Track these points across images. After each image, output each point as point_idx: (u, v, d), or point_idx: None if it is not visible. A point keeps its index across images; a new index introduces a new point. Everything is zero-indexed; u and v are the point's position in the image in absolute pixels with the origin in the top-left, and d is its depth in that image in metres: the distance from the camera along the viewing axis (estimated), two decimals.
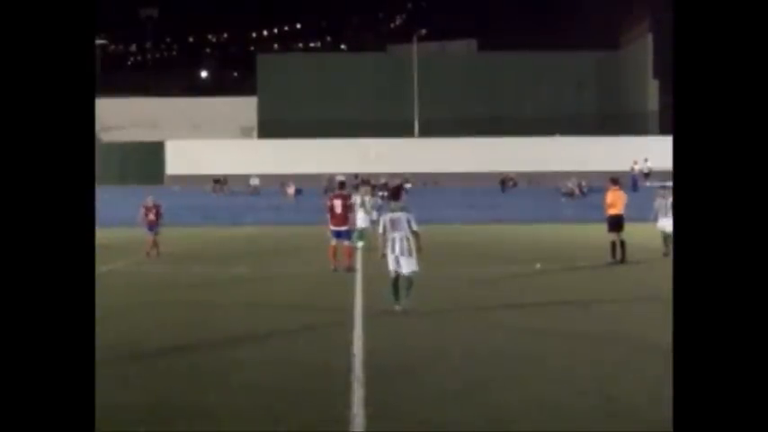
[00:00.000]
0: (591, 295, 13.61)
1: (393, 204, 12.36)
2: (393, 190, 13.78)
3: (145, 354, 9.05)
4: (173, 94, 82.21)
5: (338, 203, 17.28)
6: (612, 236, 19.00)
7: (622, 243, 18.82)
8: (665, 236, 19.84)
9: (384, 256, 11.93)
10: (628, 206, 19.75)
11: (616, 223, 19.02)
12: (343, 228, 17.26)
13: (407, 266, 11.71)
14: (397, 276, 11.79)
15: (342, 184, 18.67)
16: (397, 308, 11.68)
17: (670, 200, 19.91)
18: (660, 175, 44.46)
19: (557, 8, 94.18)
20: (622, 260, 18.59)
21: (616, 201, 19.35)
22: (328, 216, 17.42)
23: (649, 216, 20.88)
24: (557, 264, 18.82)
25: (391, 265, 11.81)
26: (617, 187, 19.78)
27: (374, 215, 22.60)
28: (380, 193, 40.66)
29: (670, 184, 23.70)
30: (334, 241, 17.30)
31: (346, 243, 17.37)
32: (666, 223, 19.68)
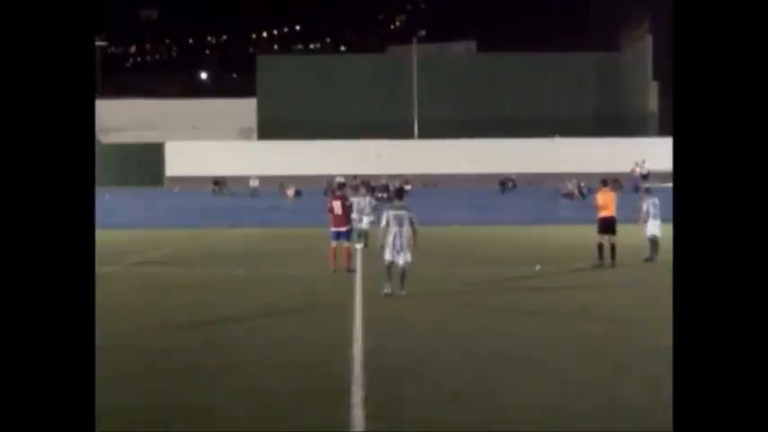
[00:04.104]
0: (590, 296, 13.62)
1: (396, 203, 13.92)
2: (396, 190, 15.37)
3: (145, 354, 9.05)
4: (172, 96, 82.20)
5: (337, 204, 17.33)
6: (602, 238, 18.35)
7: (613, 246, 18.20)
8: (651, 240, 19.34)
9: (383, 246, 13.39)
10: (630, 208, 19.51)
11: (608, 226, 18.36)
12: (344, 228, 17.29)
13: (404, 258, 13.24)
14: (390, 265, 13.33)
15: (341, 186, 18.69)
16: (387, 290, 13.23)
17: (654, 200, 19.70)
18: (660, 176, 44.49)
19: (556, 10, 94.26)
20: (612, 262, 18.05)
21: (608, 202, 18.65)
22: (329, 217, 17.47)
23: (638, 218, 20.09)
24: (556, 265, 18.81)
25: (388, 255, 13.29)
26: (608, 188, 19.20)
27: (373, 217, 22.67)
28: (379, 195, 40.70)
29: (656, 185, 23.41)
30: (334, 242, 17.31)
31: (346, 244, 17.39)
32: (654, 227, 19.38)
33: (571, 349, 9.09)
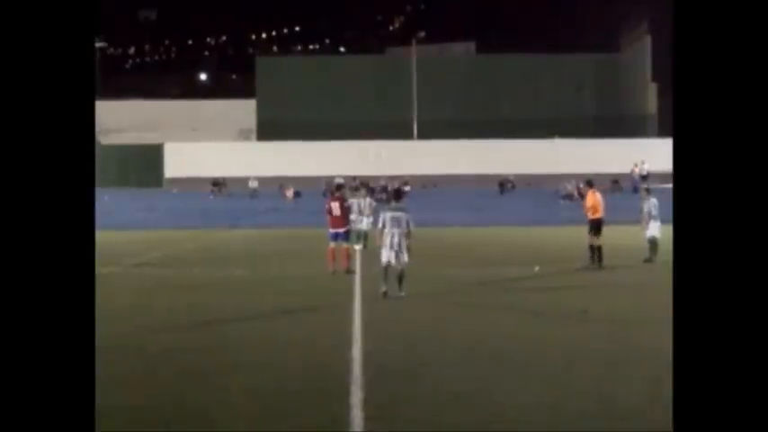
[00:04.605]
0: (590, 297, 13.62)
1: (394, 204, 13.95)
2: (395, 191, 15.21)
3: (145, 355, 9.05)
4: (172, 97, 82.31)
5: (336, 205, 17.33)
6: (594, 240, 18.21)
7: (599, 248, 18.11)
8: (651, 242, 19.21)
9: (380, 247, 13.48)
10: (630, 209, 19.28)
11: (598, 227, 18.26)
12: (342, 229, 17.28)
13: (401, 259, 13.26)
14: (387, 266, 13.38)
15: (339, 187, 18.68)
16: (383, 289, 13.25)
17: (653, 201, 19.56)
18: (659, 177, 44.51)
19: (556, 11, 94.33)
20: (599, 264, 17.93)
21: (597, 204, 18.55)
22: (327, 218, 17.46)
23: (641, 220, 19.91)
24: (556, 266, 18.79)
25: (385, 257, 13.35)
26: (594, 189, 19.06)
27: (373, 218, 22.66)
28: (378, 196, 40.66)
29: (655, 186, 23.14)
30: (332, 243, 17.29)
31: (345, 245, 17.38)
32: (654, 228, 19.25)
33: (570, 350, 9.10)
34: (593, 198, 18.76)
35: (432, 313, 11.96)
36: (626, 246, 19.56)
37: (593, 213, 18.48)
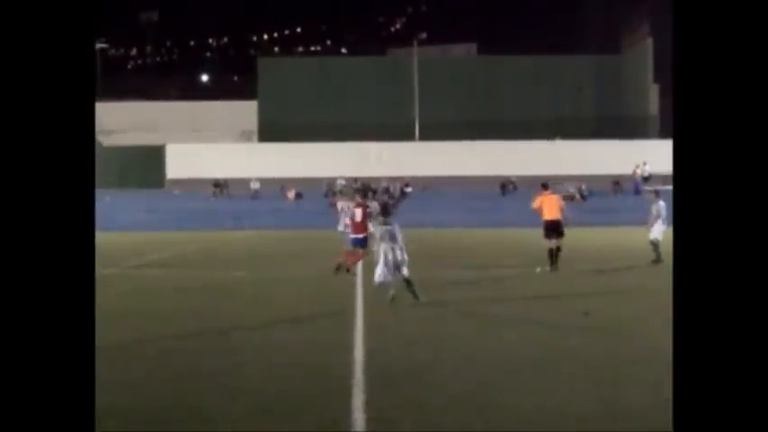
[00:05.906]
0: (590, 299, 13.61)
1: (384, 219, 13.65)
2: (382, 207, 15.12)
3: (145, 356, 9.05)
4: (173, 98, 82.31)
5: (359, 212, 17.59)
6: (549, 243, 18.02)
7: (558, 249, 17.97)
8: (653, 243, 19.12)
9: (377, 263, 13.05)
10: (632, 210, 19.25)
11: (554, 229, 18.08)
12: (362, 235, 17.46)
13: (403, 272, 12.86)
14: (381, 285, 12.89)
15: (365, 194, 18.95)
16: (393, 293, 12.76)
17: (661, 203, 19.47)
18: (660, 179, 44.48)
19: (557, 12, 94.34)
20: (554, 267, 17.76)
21: (551, 206, 18.32)
22: (349, 223, 17.81)
23: (645, 221, 20.04)
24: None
25: (380, 277, 12.88)
26: (548, 192, 18.76)
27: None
28: (377, 198, 40.66)
29: (660, 187, 23.00)
30: (351, 248, 17.55)
31: (361, 251, 17.56)
32: (656, 231, 19.18)
33: (571, 352, 9.09)
34: (548, 200, 18.45)
35: (433, 315, 11.95)
36: (627, 247, 19.53)
37: (549, 215, 18.22)
